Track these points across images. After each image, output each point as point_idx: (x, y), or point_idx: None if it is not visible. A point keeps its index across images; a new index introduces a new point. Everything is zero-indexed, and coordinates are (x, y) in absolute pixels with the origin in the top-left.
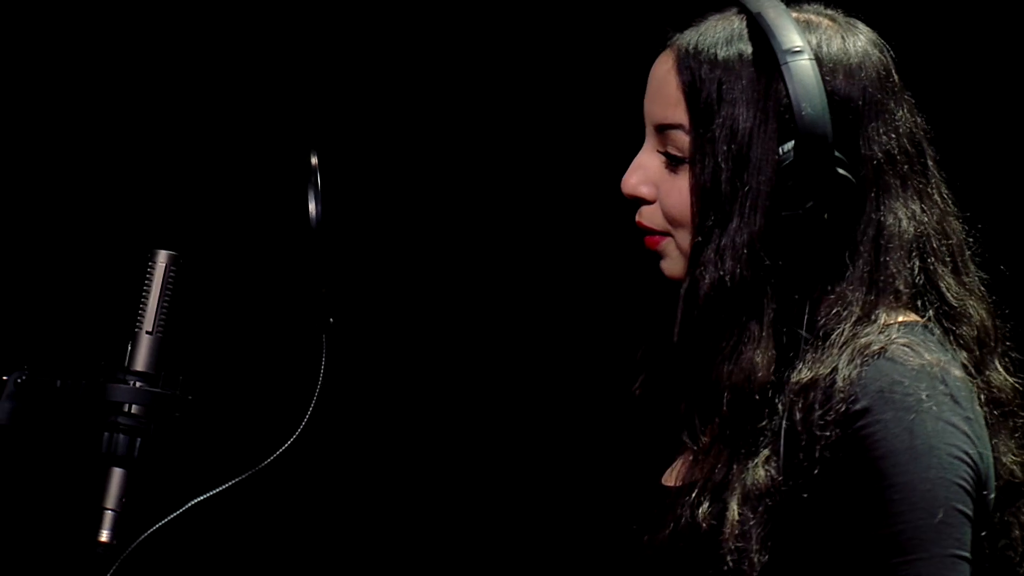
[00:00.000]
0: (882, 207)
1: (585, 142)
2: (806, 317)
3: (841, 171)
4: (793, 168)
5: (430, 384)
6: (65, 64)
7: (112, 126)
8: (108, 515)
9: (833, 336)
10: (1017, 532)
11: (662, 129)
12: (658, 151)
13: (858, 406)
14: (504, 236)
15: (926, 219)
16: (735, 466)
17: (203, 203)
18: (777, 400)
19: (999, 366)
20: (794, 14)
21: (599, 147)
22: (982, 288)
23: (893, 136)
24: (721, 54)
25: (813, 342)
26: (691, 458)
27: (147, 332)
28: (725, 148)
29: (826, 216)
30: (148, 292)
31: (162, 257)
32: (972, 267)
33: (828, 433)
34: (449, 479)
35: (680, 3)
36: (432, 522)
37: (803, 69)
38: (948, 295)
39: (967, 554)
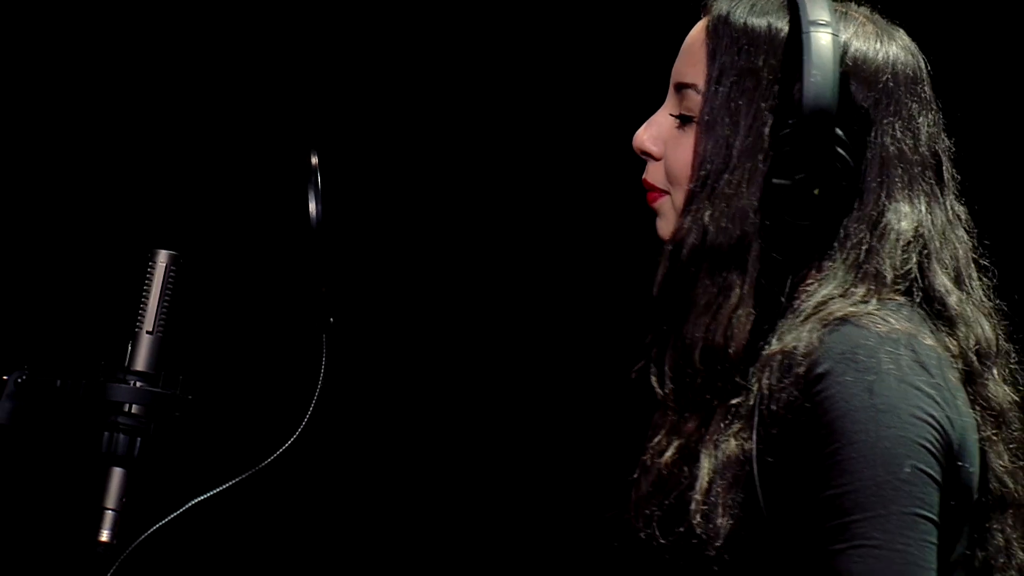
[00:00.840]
0: (883, 199)
1: (584, 142)
2: (786, 291)
3: (839, 150)
4: (791, 137)
5: (430, 384)
6: (65, 64)
7: (112, 126)
8: (108, 515)
9: (805, 308)
10: (1001, 541)
11: (680, 88)
12: (671, 114)
13: (819, 369)
14: (503, 236)
15: (930, 224)
16: (705, 428)
17: (203, 203)
18: (751, 373)
19: (998, 378)
20: (837, 6)
21: (599, 147)
22: (988, 304)
23: (910, 137)
24: (750, 22)
25: (792, 317)
26: (663, 414)
27: (147, 332)
28: (731, 109)
29: (816, 192)
30: (148, 292)
31: (162, 257)
32: (977, 283)
33: (789, 396)
34: (448, 479)
35: (688, 3)
36: (432, 522)
37: (822, 40)
38: (944, 296)
39: (931, 515)
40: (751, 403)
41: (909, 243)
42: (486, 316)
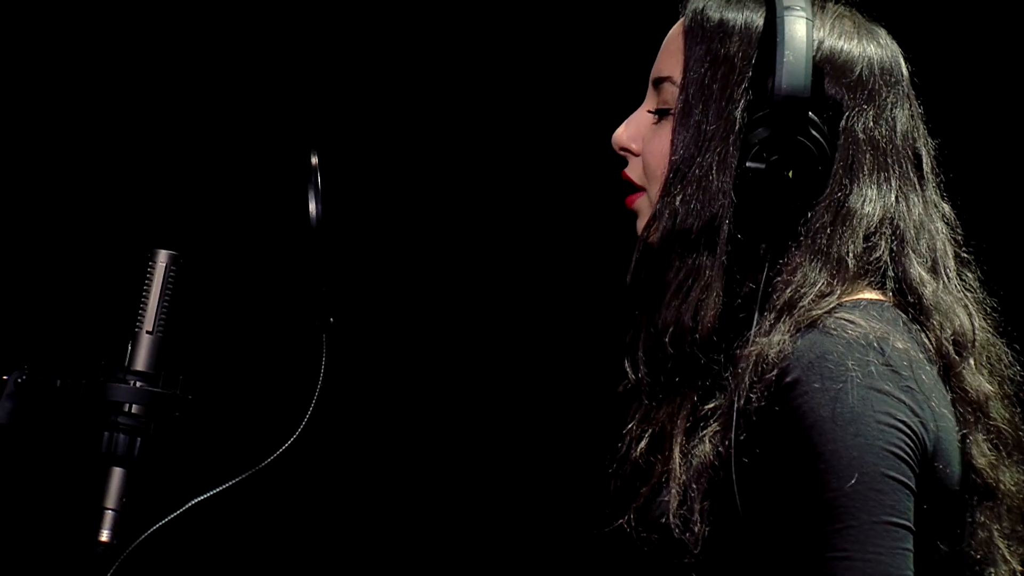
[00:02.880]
0: (849, 184)
1: (584, 142)
2: (762, 281)
3: (814, 132)
4: (764, 120)
5: (429, 384)
6: (65, 64)
7: (112, 126)
8: (108, 515)
9: (784, 310)
10: (983, 533)
11: (657, 83)
12: (649, 110)
13: (789, 378)
14: (503, 236)
15: (903, 212)
16: (677, 415)
17: (203, 203)
18: (728, 372)
19: (975, 368)
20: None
21: (598, 147)
22: (970, 295)
23: (884, 127)
24: (725, 15)
25: (766, 313)
26: (639, 402)
27: (147, 332)
28: (704, 97)
29: (790, 175)
30: (148, 292)
31: (162, 257)
32: (955, 274)
33: (760, 404)
34: (448, 478)
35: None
36: (432, 522)
37: (797, 25)
38: (919, 286)
39: (903, 521)
40: (727, 405)
41: (875, 229)
42: (485, 316)
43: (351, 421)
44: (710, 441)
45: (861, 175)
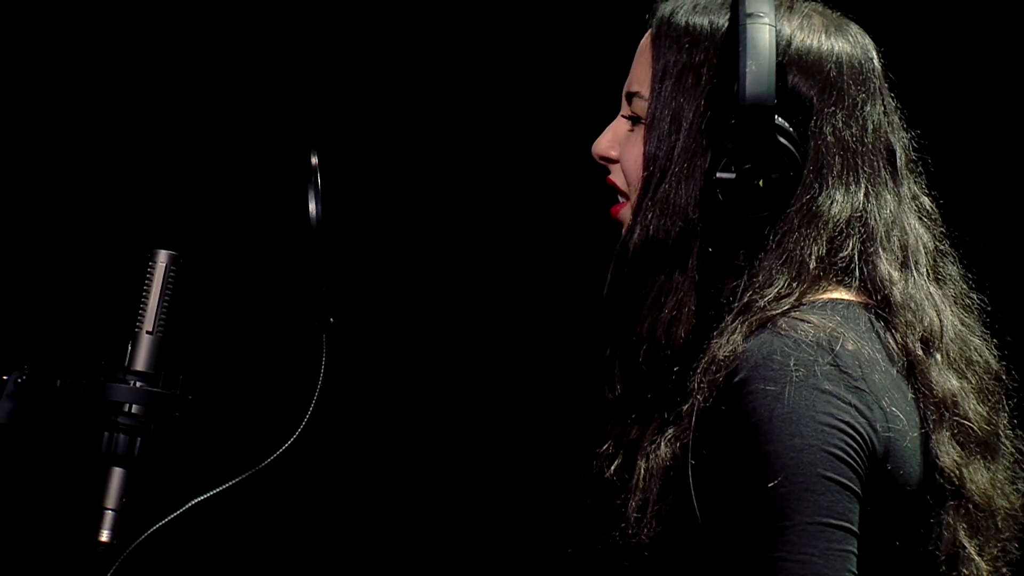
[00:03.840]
0: (818, 187)
1: (583, 142)
2: (730, 287)
3: (782, 140)
4: (731, 130)
5: (429, 384)
6: (65, 64)
7: (112, 126)
8: (108, 515)
9: (741, 311)
10: (948, 533)
11: (629, 96)
12: (623, 116)
13: (736, 378)
14: (503, 236)
15: (873, 210)
16: (647, 429)
17: (203, 203)
18: (691, 376)
19: (943, 364)
20: (784, 1)
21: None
22: (942, 291)
23: (854, 126)
24: (691, 21)
25: (726, 316)
26: (614, 420)
27: (147, 332)
28: (672, 108)
29: (760, 184)
30: (148, 292)
31: (162, 257)
32: (927, 269)
33: (710, 405)
34: (448, 478)
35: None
36: (431, 521)
37: (758, 31)
38: (885, 283)
39: (841, 522)
40: (686, 407)
41: (842, 230)
42: (485, 316)
43: (351, 421)
44: (666, 444)
45: (830, 177)
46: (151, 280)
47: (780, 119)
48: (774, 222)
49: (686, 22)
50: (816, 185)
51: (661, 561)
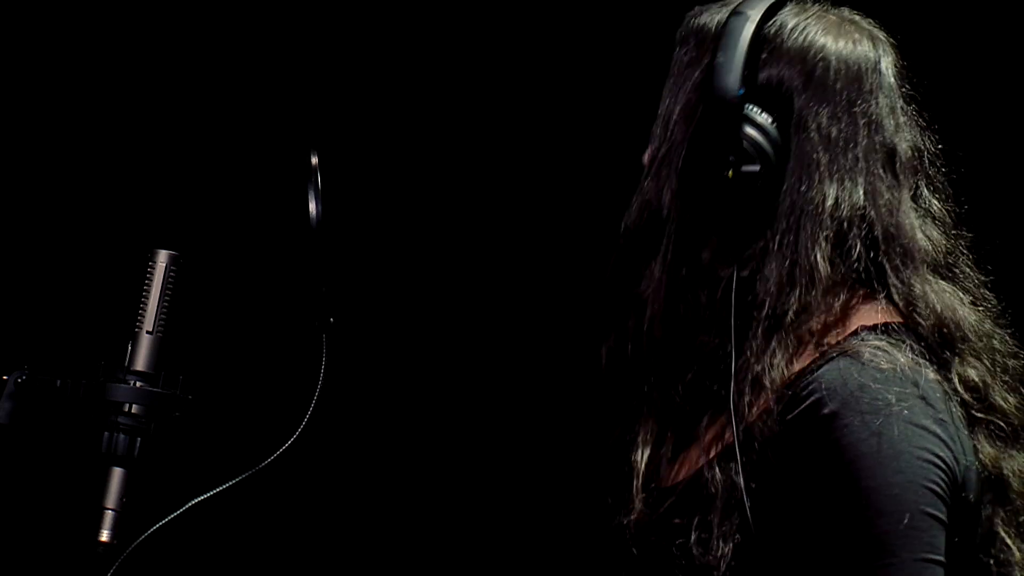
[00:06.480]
0: (804, 181)
1: (583, 142)
2: (733, 286)
3: (750, 130)
4: (701, 120)
5: (429, 384)
6: (65, 64)
7: (112, 126)
8: (108, 515)
9: (774, 327)
10: (985, 522)
11: None
12: None
13: (826, 410)
14: (503, 236)
15: (874, 209)
16: (673, 433)
17: (203, 203)
18: (718, 384)
19: (969, 360)
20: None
21: (597, 147)
22: (953, 290)
23: (843, 124)
24: (699, 22)
25: (753, 325)
26: (637, 415)
27: (147, 332)
28: (666, 103)
29: (730, 175)
30: (148, 292)
31: (162, 257)
32: (939, 270)
33: (794, 436)
34: (448, 478)
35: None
36: (432, 521)
37: (737, 25)
38: (904, 286)
39: (939, 557)
40: (735, 429)
41: (842, 229)
42: (485, 316)
43: (351, 421)
44: (720, 463)
45: (817, 172)
46: (151, 280)
47: (756, 112)
48: (767, 218)
49: (696, 23)
50: (803, 180)
51: None
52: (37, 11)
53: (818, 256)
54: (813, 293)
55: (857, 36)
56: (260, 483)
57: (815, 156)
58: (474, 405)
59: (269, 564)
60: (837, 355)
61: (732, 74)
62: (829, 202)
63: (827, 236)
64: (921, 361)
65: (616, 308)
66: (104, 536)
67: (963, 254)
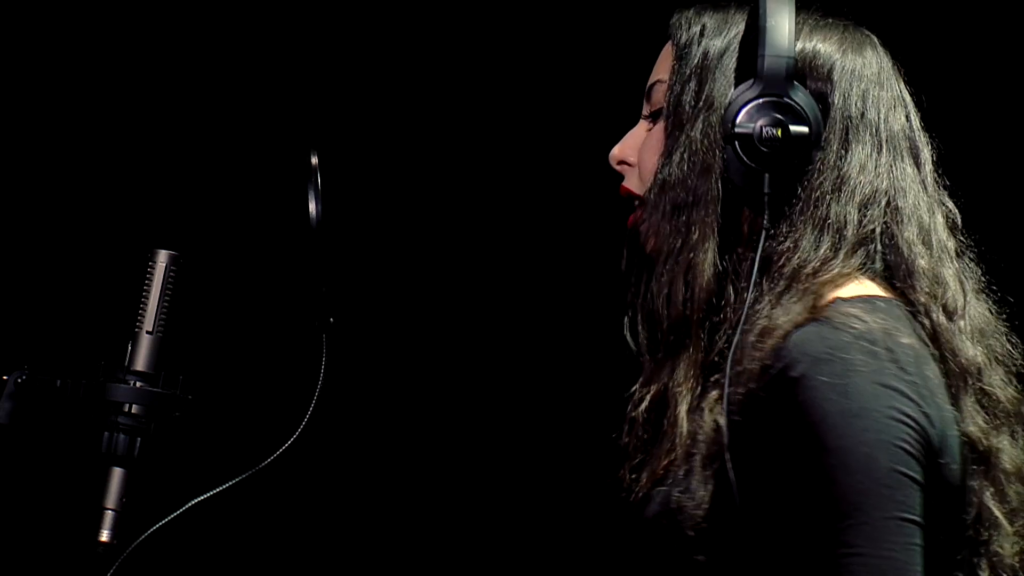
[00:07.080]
0: (845, 157)
1: (583, 143)
2: (759, 253)
3: (792, 101)
4: (751, 86)
5: (429, 384)
6: (65, 64)
7: (112, 126)
8: (108, 515)
9: (788, 285)
10: (974, 498)
11: (649, 90)
12: (643, 118)
13: (794, 372)
14: (503, 236)
15: (897, 191)
16: (675, 380)
17: (203, 203)
18: (725, 336)
19: (967, 334)
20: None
21: (597, 148)
22: (961, 273)
23: (875, 111)
24: (709, 9)
25: (773, 282)
26: (642, 367)
27: (147, 332)
28: (690, 77)
29: (779, 133)
30: (148, 292)
31: (162, 257)
32: (950, 251)
33: (762, 392)
34: (448, 478)
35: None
36: (432, 521)
37: (780, 2)
38: (909, 254)
39: (914, 517)
40: (725, 377)
41: (869, 200)
42: (485, 316)
43: (351, 421)
44: (709, 411)
45: (856, 144)
46: (151, 280)
47: (798, 84)
48: (800, 183)
49: (706, 7)
50: (842, 150)
51: (708, 539)
52: (37, 11)
53: (848, 221)
54: (832, 252)
55: (870, 47)
56: (260, 483)
57: (853, 129)
58: (474, 405)
59: (269, 564)
60: (811, 321)
61: (786, 36)
62: (865, 175)
63: (855, 203)
64: (898, 327)
65: (638, 272)
66: (104, 536)
67: (969, 249)
